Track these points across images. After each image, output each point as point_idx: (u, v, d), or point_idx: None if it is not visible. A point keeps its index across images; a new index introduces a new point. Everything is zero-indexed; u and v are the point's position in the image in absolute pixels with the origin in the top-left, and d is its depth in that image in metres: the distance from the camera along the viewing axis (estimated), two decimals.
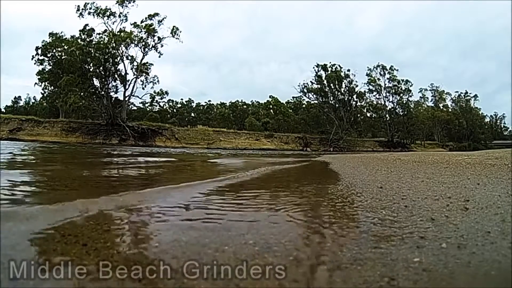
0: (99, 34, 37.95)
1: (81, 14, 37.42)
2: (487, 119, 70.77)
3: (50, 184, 3.64)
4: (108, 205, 2.19)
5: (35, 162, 7.56)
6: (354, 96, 51.48)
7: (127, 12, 38.67)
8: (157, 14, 39.65)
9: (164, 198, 2.63)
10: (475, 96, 63.35)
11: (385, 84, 52.87)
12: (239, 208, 2.32)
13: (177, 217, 1.98)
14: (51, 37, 37.84)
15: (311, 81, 50.85)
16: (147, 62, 40.68)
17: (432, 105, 62.29)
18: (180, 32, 40.50)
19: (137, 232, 1.66)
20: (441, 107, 62.49)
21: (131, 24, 39.48)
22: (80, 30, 37.76)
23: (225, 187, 3.49)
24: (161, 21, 39.72)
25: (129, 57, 39.80)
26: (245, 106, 62.72)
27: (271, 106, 58.67)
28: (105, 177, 4.75)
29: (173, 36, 40.13)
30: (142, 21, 39.52)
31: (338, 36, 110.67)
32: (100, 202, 2.26)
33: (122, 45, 38.48)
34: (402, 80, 52.85)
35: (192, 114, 65.28)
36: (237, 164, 8.97)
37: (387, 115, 54.64)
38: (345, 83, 50.40)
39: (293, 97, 58.34)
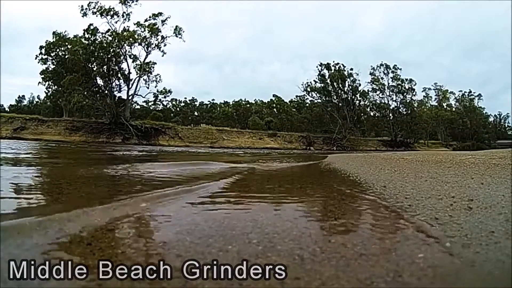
0: (102, 33, 38.12)
1: (84, 13, 37.53)
2: (491, 119, 70.24)
3: None
4: None
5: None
6: (358, 95, 51.20)
7: (131, 12, 38.75)
8: (160, 13, 39.73)
9: None
10: (479, 95, 62.73)
11: (388, 83, 52.54)
12: None
13: None
14: (54, 37, 38.00)
15: (314, 80, 50.58)
16: (150, 61, 40.81)
17: (436, 104, 61.81)
18: (183, 31, 40.57)
19: None
20: (445, 107, 62.00)
21: (135, 24, 39.59)
22: (84, 30, 37.95)
23: None
24: (164, 21, 39.80)
25: (132, 56, 39.97)
26: (248, 105, 62.60)
27: (274, 105, 58.65)
28: None
29: (176, 36, 40.21)
30: (146, 20, 39.62)
31: (341, 35, 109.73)
32: None
33: (125, 44, 38.62)
34: (406, 79, 52.43)
35: (196, 113, 65.44)
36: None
37: (390, 114, 54.25)
38: (348, 82, 50.09)
39: (296, 96, 57.85)
